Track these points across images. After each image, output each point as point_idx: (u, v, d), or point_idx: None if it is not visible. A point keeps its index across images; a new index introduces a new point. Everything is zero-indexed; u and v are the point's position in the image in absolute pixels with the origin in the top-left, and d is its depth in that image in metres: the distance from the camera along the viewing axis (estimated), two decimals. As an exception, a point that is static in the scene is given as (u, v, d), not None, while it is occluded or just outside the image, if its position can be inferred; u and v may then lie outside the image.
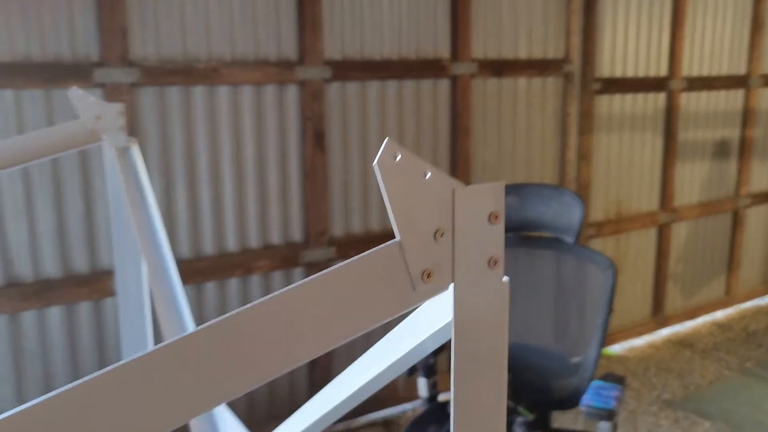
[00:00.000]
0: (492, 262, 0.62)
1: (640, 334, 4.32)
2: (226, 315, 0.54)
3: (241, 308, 0.54)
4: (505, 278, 0.62)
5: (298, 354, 0.57)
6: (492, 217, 0.61)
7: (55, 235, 2.54)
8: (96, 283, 2.61)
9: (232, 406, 2.89)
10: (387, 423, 3.35)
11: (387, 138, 0.56)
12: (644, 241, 4.23)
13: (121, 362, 0.51)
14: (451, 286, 0.61)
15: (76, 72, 2.48)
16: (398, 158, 0.56)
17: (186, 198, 2.77)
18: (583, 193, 3.81)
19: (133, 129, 2.57)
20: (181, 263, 2.70)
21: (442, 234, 0.59)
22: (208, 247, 2.85)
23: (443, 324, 0.62)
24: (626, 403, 3.52)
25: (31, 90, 2.43)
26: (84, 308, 2.64)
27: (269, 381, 0.57)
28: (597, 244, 3.96)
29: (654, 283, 4.33)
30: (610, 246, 4.05)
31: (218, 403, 0.55)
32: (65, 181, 2.54)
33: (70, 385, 0.49)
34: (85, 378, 0.50)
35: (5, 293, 2.47)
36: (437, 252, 0.59)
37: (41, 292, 2.53)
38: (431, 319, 0.65)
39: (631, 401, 3.54)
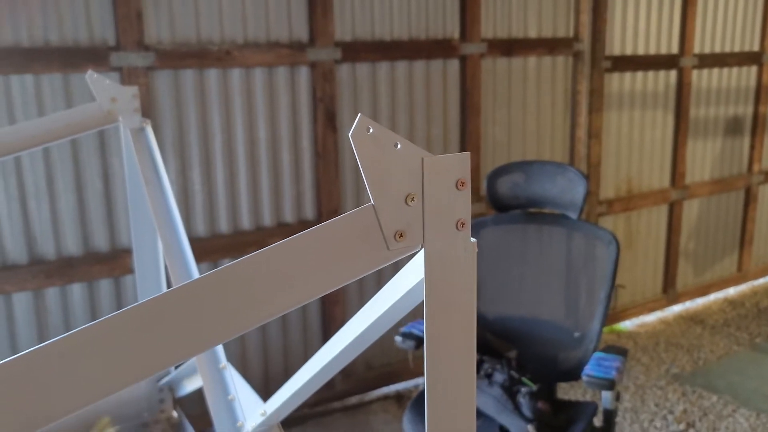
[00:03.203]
0: (460, 224, 0.68)
1: (651, 310, 4.36)
2: (224, 266, 0.61)
3: (236, 260, 0.62)
4: (473, 239, 0.69)
5: (286, 301, 0.64)
6: (459, 184, 0.67)
7: (76, 214, 2.64)
8: (115, 261, 2.71)
9: (249, 370, 3.00)
10: (399, 396, 3.44)
11: (359, 114, 0.63)
12: (655, 218, 4.26)
13: (133, 305, 0.58)
14: (423, 246, 0.68)
15: (93, 56, 2.56)
16: (371, 131, 0.63)
17: (201, 178, 2.85)
18: (593, 171, 3.85)
19: (149, 111, 2.65)
20: (197, 241, 2.81)
21: (413, 198, 0.66)
22: (223, 226, 2.93)
23: (417, 281, 0.69)
24: (635, 377, 3.58)
25: (49, 74, 2.52)
26: (104, 285, 2.74)
27: (264, 323, 0.65)
28: (608, 221, 4.00)
29: (665, 260, 4.36)
30: (621, 223, 4.09)
31: (217, 343, 0.62)
32: (84, 162, 2.63)
33: (88, 325, 0.57)
34: (102, 318, 0.57)
35: (29, 271, 2.58)
36: (408, 214, 0.66)
37: (63, 269, 2.63)
38: (408, 278, 0.72)
39: (640, 376, 3.60)
